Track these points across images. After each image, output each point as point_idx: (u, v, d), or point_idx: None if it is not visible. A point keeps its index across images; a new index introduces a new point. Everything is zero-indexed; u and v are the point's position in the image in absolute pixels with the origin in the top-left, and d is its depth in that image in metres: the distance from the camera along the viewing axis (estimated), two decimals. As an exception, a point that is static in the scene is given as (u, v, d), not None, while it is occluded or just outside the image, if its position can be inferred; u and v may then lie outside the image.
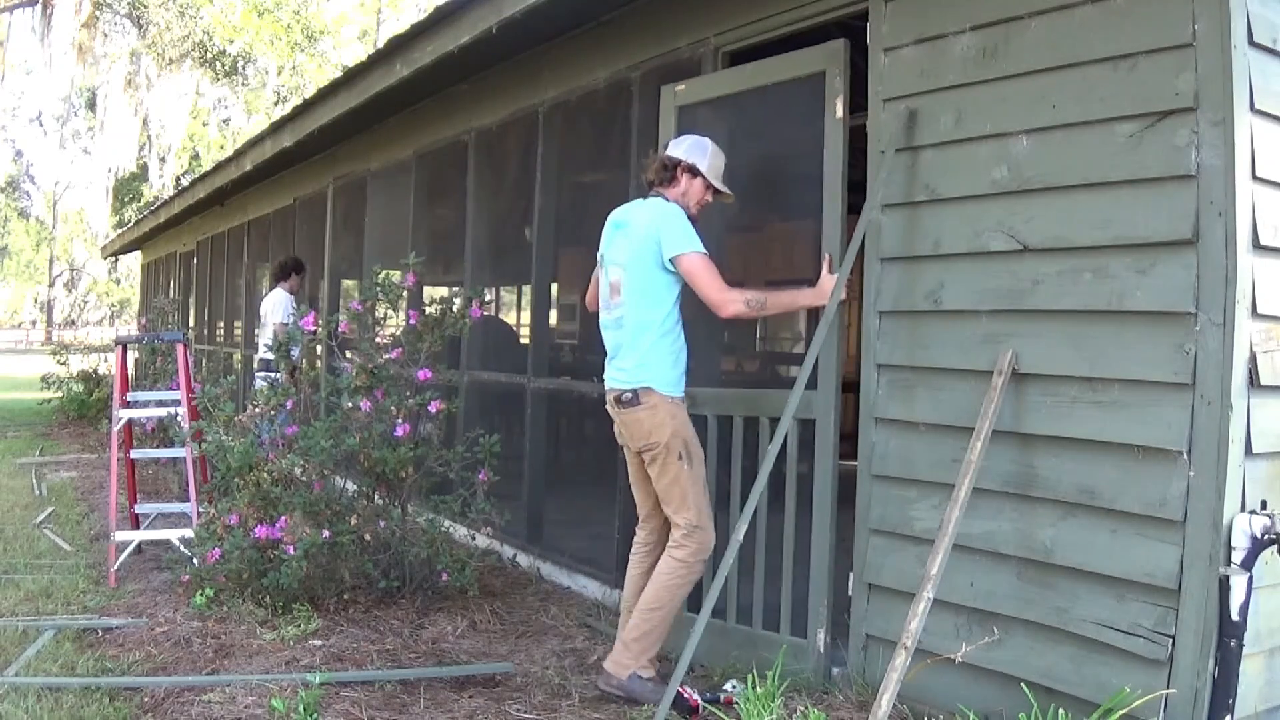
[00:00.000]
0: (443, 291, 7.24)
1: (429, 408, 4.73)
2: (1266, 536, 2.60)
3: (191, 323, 13.87)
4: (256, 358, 8.41)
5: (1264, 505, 2.67)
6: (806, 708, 3.15)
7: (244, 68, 25.42)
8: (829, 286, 3.50)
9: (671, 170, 3.68)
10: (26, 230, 46.68)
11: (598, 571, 4.94)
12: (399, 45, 5.83)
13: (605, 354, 3.74)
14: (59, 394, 13.08)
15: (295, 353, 5.22)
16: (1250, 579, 2.58)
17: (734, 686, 3.48)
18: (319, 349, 6.79)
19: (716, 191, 3.73)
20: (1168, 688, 2.65)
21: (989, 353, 3.15)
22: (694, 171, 3.67)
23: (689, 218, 3.60)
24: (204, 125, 29.03)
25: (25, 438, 11.36)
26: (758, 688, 3.01)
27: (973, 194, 3.24)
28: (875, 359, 3.55)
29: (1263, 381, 2.69)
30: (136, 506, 5.89)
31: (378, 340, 5.00)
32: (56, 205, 44.01)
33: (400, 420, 4.69)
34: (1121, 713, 2.57)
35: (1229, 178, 2.63)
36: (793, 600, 3.74)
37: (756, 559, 3.85)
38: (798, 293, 3.69)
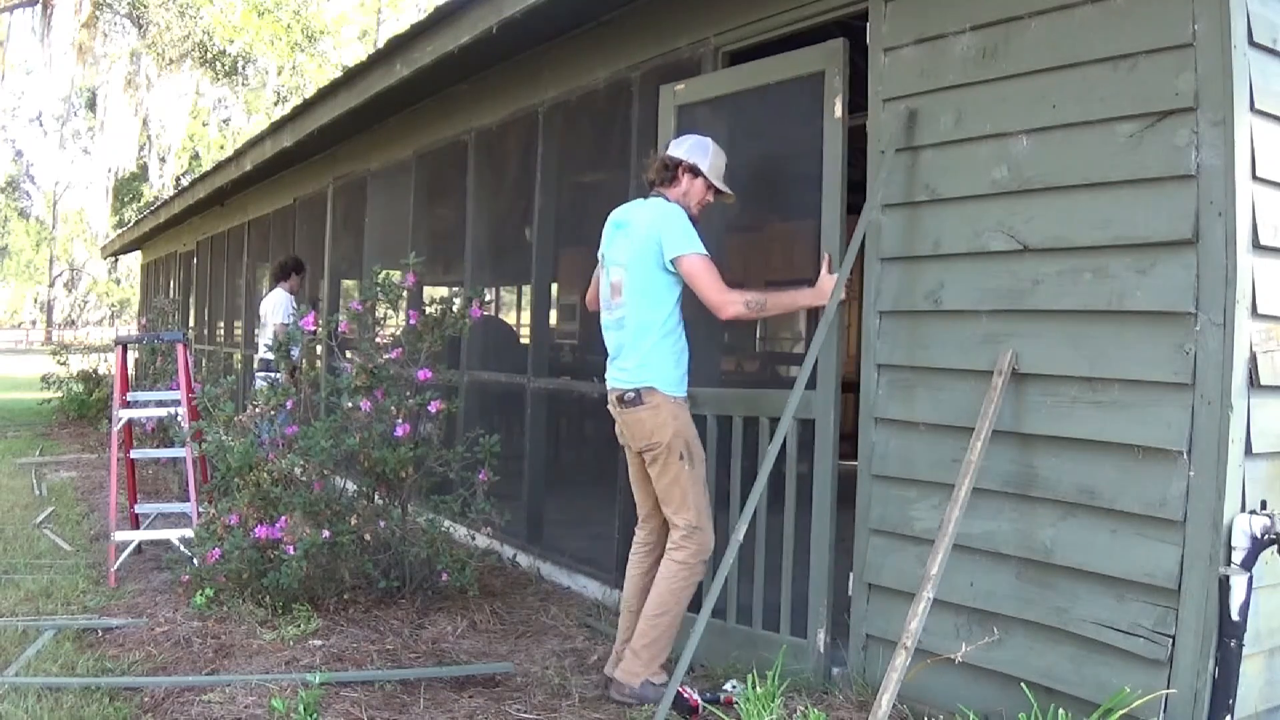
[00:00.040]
0: (443, 291, 7.24)
1: (429, 408, 4.73)
2: (1266, 536, 2.61)
3: (191, 323, 13.87)
4: (256, 358, 8.41)
5: (1264, 505, 2.67)
6: (806, 708, 3.15)
7: (244, 68, 25.43)
8: (829, 286, 3.50)
9: (673, 170, 3.67)
10: (26, 230, 46.68)
11: (598, 571, 4.94)
12: (399, 45, 5.83)
13: (605, 354, 3.73)
14: (59, 394, 13.08)
15: (295, 353, 5.22)
16: (1250, 579, 2.58)
17: (734, 686, 3.48)
18: (319, 349, 6.79)
19: (718, 192, 3.72)
20: (1168, 688, 2.65)
21: (989, 353, 3.15)
22: (695, 171, 3.66)
23: (690, 218, 3.59)
24: (204, 125, 29.04)
25: (25, 438, 11.35)
26: (758, 687, 3.01)
27: (973, 194, 3.24)
28: (875, 359, 3.55)
29: (1263, 381, 2.69)
30: (136, 506, 5.89)
31: (378, 340, 5.00)
32: (56, 205, 44.02)
33: (400, 420, 4.69)
34: (1121, 713, 2.57)
35: (1229, 178, 2.63)
36: (793, 600, 3.74)
37: (756, 559, 3.85)
38: (797, 293, 3.69)
